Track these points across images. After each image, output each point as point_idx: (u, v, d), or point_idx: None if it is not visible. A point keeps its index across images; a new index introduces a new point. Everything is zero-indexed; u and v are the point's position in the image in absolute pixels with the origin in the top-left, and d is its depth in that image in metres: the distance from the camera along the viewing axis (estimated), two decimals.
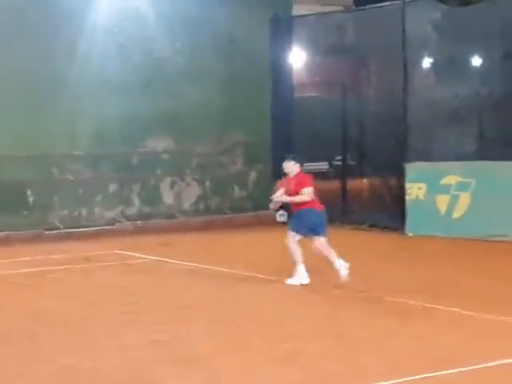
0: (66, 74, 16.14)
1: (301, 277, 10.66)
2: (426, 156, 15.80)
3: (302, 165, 10.88)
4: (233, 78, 17.84)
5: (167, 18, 17.08)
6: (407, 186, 15.58)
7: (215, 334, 8.32)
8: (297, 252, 10.67)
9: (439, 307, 9.16)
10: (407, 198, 15.54)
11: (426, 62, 17.33)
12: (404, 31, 15.88)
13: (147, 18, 17.02)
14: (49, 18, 16.01)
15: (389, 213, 16.17)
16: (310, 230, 10.59)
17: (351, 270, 10.49)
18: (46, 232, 15.87)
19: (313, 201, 10.60)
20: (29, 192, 16.04)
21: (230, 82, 17.83)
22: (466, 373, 6.80)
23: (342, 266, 10.50)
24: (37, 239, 15.43)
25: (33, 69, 15.85)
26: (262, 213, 17.87)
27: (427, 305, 9.29)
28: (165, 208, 17.48)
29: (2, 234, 15.41)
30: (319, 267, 11.95)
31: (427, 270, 11.82)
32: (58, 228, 16.11)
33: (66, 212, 16.39)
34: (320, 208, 10.68)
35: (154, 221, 17.12)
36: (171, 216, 17.41)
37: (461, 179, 14.89)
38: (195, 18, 17.39)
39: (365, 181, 17.45)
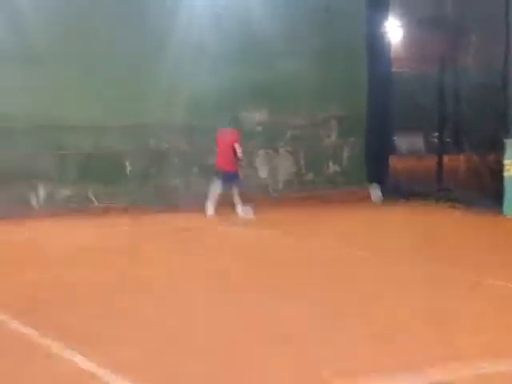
0: (164, 45, 16.28)
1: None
2: None
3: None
4: (329, 49, 17.67)
5: None
6: (506, 162, 15.13)
7: (310, 313, 8.31)
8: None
9: None
10: (506, 175, 15.11)
11: None
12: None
13: None
14: None
15: (486, 191, 15.80)
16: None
17: (449, 248, 10.38)
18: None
19: None
20: (127, 163, 16.34)
21: (326, 53, 17.68)
22: None
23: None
24: (134, 209, 15.72)
25: (130, 40, 16.05)
26: (354, 188, 17.81)
27: None
28: (258, 180, 17.57)
29: (100, 204, 15.76)
30: (417, 248, 11.85)
31: None
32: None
33: (161, 183, 16.63)
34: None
35: (248, 193, 17.22)
36: (265, 188, 17.49)
37: None
38: None
39: (462, 157, 17.10)
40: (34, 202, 15.52)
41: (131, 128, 16.28)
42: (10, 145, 15.30)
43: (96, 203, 15.80)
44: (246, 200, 15.18)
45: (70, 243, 12.41)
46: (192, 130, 16.89)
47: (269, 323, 7.92)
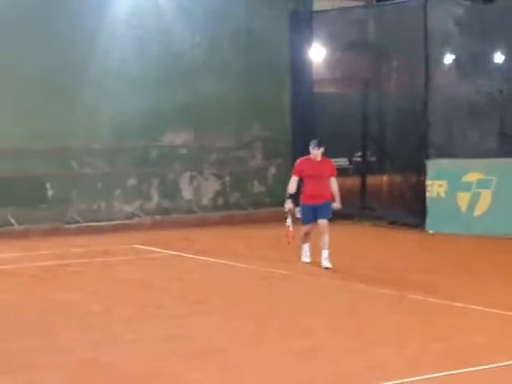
0: (86, 67, 16.16)
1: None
2: (447, 153, 15.66)
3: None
4: (252, 72, 17.78)
5: (186, 12, 17.06)
6: (428, 183, 15.48)
7: (232, 328, 8.26)
8: None
9: (460, 305, 9.07)
10: (428, 195, 15.43)
11: (448, 58, 17.18)
12: (426, 27, 15.78)
13: (166, 12, 16.98)
14: (68, 12, 16.04)
15: (409, 210, 16.08)
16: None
17: (373, 266, 10.46)
18: (65, 226, 15.89)
19: None
20: (48, 185, 16.07)
21: (249, 76, 17.78)
22: (488, 370, 6.69)
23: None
24: (56, 233, 15.45)
25: (52, 62, 15.88)
26: (281, 209, 17.78)
27: (448, 302, 9.19)
28: (184, 203, 17.46)
29: (21, 227, 15.45)
30: (342, 263, 11.89)
31: (449, 267, 11.71)
32: (77, 222, 16.13)
33: (85, 206, 16.40)
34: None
35: (173, 215, 17.10)
36: (190, 211, 17.38)
37: (482, 176, 14.75)
38: (214, 11, 17.37)
39: (385, 177, 17.33)
40: None
41: (53, 151, 16.02)
42: None
43: (16, 226, 15.47)
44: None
45: None
46: (115, 152, 16.71)
47: (187, 339, 7.82)
